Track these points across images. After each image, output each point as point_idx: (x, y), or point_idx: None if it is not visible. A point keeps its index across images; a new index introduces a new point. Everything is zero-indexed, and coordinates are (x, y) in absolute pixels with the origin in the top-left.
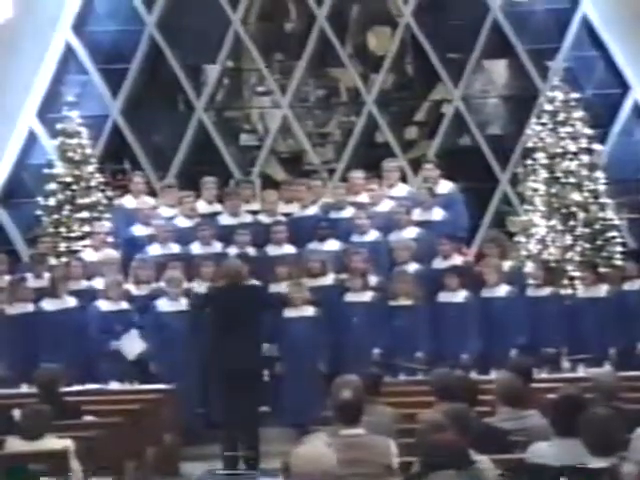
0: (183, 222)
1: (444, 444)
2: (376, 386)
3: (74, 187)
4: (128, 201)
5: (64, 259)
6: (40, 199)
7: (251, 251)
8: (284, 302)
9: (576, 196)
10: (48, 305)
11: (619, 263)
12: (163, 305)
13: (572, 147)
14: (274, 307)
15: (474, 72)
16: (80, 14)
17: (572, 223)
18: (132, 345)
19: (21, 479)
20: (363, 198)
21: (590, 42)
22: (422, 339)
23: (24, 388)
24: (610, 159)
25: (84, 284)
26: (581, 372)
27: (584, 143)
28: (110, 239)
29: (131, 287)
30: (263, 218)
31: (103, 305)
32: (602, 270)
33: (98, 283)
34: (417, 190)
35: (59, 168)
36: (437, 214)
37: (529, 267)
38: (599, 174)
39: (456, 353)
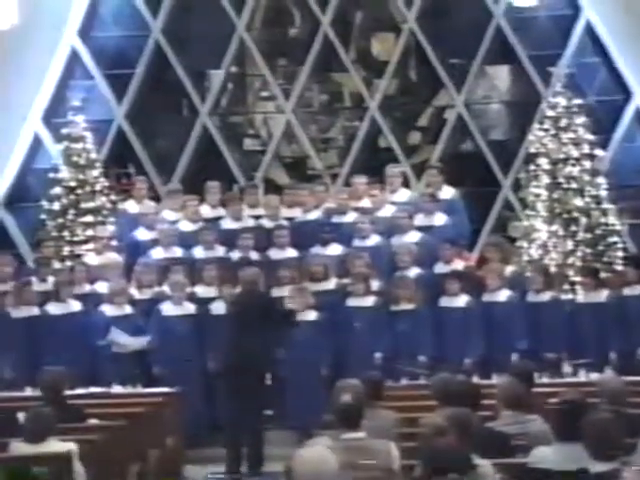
0: (186, 226)
1: (446, 448)
2: (377, 390)
3: (78, 191)
4: (131, 206)
5: (68, 263)
6: (45, 203)
7: (254, 255)
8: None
9: (578, 201)
10: (53, 309)
11: (620, 268)
12: (168, 309)
13: (574, 153)
14: (285, 323)
15: (477, 78)
16: (85, 19)
17: (574, 228)
18: (125, 338)
19: None
20: (366, 203)
21: (593, 48)
22: (424, 343)
23: (28, 391)
24: (612, 165)
25: (88, 288)
26: (583, 377)
27: (586, 149)
28: (113, 243)
29: (134, 291)
30: (266, 222)
31: (108, 310)
32: (602, 275)
33: (101, 287)
34: (419, 195)
35: (64, 172)
36: (439, 219)
37: (529, 272)
38: (601, 180)
39: (458, 357)
